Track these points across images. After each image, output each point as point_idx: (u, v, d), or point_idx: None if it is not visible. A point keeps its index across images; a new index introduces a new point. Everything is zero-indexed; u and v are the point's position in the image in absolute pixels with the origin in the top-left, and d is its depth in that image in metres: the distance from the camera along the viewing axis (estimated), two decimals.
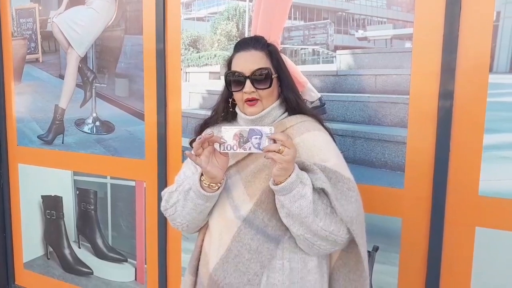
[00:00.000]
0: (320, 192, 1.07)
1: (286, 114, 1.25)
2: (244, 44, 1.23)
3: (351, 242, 1.13)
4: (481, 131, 1.40)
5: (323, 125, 1.26)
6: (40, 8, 2.40)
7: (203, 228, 1.25)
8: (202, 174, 1.12)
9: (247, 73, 1.16)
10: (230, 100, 1.27)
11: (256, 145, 1.03)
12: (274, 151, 0.99)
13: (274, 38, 1.68)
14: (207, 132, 1.09)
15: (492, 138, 1.39)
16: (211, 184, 1.11)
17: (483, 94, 1.38)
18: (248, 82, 1.16)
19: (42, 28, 2.41)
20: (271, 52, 1.22)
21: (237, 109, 1.26)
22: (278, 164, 0.99)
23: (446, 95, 1.42)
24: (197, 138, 1.10)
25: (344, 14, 1.61)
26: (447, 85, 1.41)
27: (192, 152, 1.09)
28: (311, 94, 1.65)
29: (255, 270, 1.11)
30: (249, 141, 1.04)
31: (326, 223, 1.05)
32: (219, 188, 1.13)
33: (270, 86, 1.18)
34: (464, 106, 1.41)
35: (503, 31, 1.35)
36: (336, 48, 1.62)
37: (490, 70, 1.37)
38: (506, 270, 1.40)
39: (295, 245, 1.13)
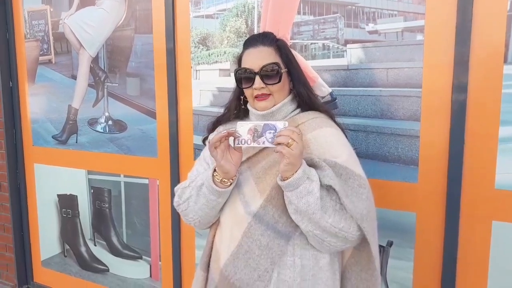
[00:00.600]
0: (329, 188, 1.07)
1: (298, 110, 1.25)
2: (253, 40, 1.23)
3: (363, 240, 1.12)
4: (496, 123, 1.37)
5: (335, 121, 1.25)
6: (51, 9, 2.43)
7: (215, 224, 1.25)
8: (215, 170, 1.13)
9: (256, 69, 1.17)
10: (242, 97, 1.27)
11: (270, 139, 1.04)
12: (283, 144, 0.99)
13: (283, 33, 1.67)
14: (219, 130, 1.09)
15: (508, 130, 1.36)
16: (224, 179, 1.12)
17: (498, 85, 1.36)
18: (257, 78, 1.17)
19: (54, 29, 2.44)
20: (280, 47, 1.22)
21: (248, 106, 1.26)
22: (286, 158, 1.00)
23: (459, 87, 1.39)
24: (215, 132, 1.10)
25: (353, 7, 1.59)
26: (460, 77, 1.39)
27: (211, 143, 1.10)
28: (322, 89, 1.64)
29: (266, 266, 1.11)
30: (263, 136, 1.04)
31: (335, 220, 1.04)
32: (231, 184, 1.13)
33: (279, 81, 1.18)
34: (478, 98, 1.39)
35: None
36: (347, 42, 1.61)
37: (505, 60, 1.34)
38: None
39: (307, 241, 1.12)
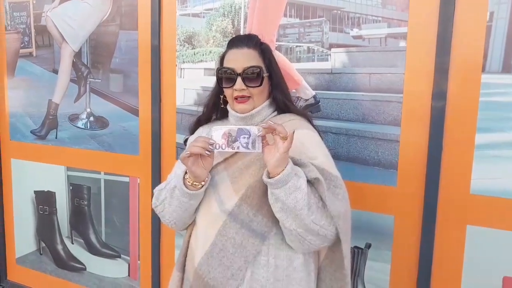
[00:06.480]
0: (311, 186, 1.08)
1: (275, 112, 1.26)
2: (238, 41, 1.24)
3: (337, 240, 1.13)
4: (473, 130, 1.41)
5: (312, 124, 1.26)
6: (34, 1, 2.38)
7: (191, 224, 1.26)
8: (186, 173, 1.14)
9: (239, 70, 1.17)
10: (222, 96, 1.27)
11: (245, 145, 1.04)
12: (280, 136, 0.99)
13: (269, 35, 1.68)
14: (199, 132, 1.09)
15: (484, 137, 1.40)
16: (194, 182, 1.13)
17: (475, 93, 1.40)
18: (239, 80, 1.17)
19: (36, 22, 2.39)
20: (264, 51, 1.23)
21: (228, 107, 1.27)
22: (279, 153, 0.99)
23: (439, 94, 1.43)
24: (195, 134, 1.09)
25: (339, 12, 1.61)
26: (440, 84, 1.42)
27: (187, 153, 1.09)
28: (305, 91, 1.66)
29: (239, 265, 1.11)
30: (237, 141, 1.04)
31: (317, 217, 1.06)
32: (202, 186, 1.14)
33: (261, 84, 1.19)
34: (456, 105, 1.42)
35: (496, 32, 1.37)
36: (331, 46, 1.63)
37: (483, 70, 1.38)
38: (496, 268, 1.42)
39: (282, 242, 1.13)
